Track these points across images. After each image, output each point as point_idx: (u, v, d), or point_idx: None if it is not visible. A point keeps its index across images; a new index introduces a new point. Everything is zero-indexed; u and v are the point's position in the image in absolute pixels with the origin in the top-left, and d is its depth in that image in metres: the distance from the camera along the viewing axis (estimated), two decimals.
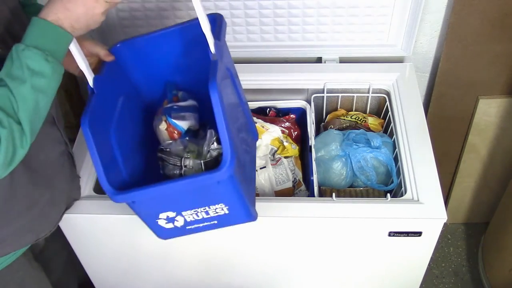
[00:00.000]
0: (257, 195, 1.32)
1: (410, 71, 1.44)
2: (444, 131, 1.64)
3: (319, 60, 1.52)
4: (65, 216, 1.17)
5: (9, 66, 0.75)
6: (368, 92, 1.44)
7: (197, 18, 0.88)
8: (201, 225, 1.05)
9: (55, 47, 0.77)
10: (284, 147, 1.37)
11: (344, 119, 1.46)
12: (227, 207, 1.00)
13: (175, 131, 1.10)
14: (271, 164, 1.33)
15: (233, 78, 1.06)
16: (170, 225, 1.04)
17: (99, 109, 0.97)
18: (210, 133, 1.06)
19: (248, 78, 1.45)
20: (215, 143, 1.04)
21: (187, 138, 1.09)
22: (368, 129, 1.44)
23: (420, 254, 1.23)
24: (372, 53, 1.47)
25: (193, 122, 1.11)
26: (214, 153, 1.04)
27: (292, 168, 1.35)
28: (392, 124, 1.35)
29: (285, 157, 1.36)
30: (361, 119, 1.46)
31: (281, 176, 1.33)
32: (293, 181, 1.34)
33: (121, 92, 1.09)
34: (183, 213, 1.01)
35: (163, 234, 1.08)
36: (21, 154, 0.78)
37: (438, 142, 1.54)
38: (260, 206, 1.16)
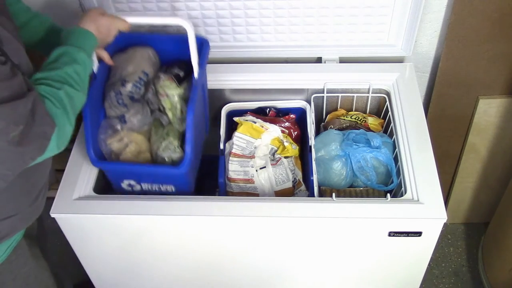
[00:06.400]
0: (257, 195, 1.32)
1: (410, 71, 1.44)
2: (444, 131, 1.64)
3: (319, 60, 1.52)
4: (65, 216, 1.17)
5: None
6: (368, 92, 1.44)
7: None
8: (152, 190, 1.28)
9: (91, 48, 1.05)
10: (284, 147, 1.37)
11: (344, 119, 1.46)
12: (175, 188, 1.26)
13: None
14: (271, 164, 1.33)
15: (204, 91, 1.27)
16: (129, 188, 1.28)
17: (96, 92, 1.20)
18: None
19: (248, 78, 1.46)
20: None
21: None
22: (368, 129, 1.44)
23: (420, 254, 1.23)
24: (372, 53, 1.47)
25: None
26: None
27: (292, 168, 1.35)
28: (392, 124, 1.34)
29: (285, 157, 1.36)
30: (361, 119, 1.46)
31: (281, 176, 1.33)
32: (293, 181, 1.33)
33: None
34: (142, 183, 1.26)
35: (119, 189, 1.29)
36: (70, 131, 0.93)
37: (438, 142, 1.54)
38: (260, 206, 1.16)
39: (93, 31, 1.02)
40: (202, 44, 1.22)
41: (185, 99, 1.23)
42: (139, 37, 1.24)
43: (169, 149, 1.21)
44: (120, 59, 1.25)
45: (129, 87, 1.20)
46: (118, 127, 1.19)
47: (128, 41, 1.24)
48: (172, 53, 1.29)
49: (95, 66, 1.19)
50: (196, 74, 1.18)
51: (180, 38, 1.19)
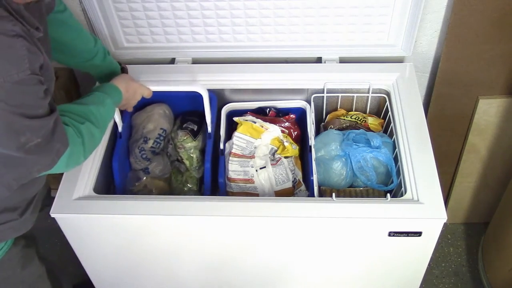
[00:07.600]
0: (257, 195, 1.32)
1: (410, 71, 1.44)
2: (444, 131, 1.64)
3: (319, 60, 1.52)
4: (65, 216, 1.17)
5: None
6: (368, 92, 1.44)
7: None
8: None
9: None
10: (284, 147, 1.37)
11: (344, 119, 1.46)
12: None
13: None
14: (271, 164, 1.33)
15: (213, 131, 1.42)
16: None
17: (123, 148, 1.38)
18: None
19: (248, 78, 1.46)
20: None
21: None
22: (368, 129, 1.44)
23: (420, 254, 1.23)
24: (372, 53, 1.47)
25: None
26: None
27: (292, 168, 1.35)
28: (392, 124, 1.35)
29: (285, 157, 1.36)
30: (361, 119, 1.46)
31: (281, 176, 1.33)
32: (293, 181, 1.33)
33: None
34: None
35: None
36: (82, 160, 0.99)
37: (438, 142, 1.54)
38: (260, 206, 1.16)
39: (122, 89, 1.16)
40: (211, 99, 1.35)
41: (199, 149, 1.44)
42: (155, 95, 1.29)
43: (190, 194, 1.41)
44: (141, 117, 1.43)
45: (151, 143, 1.39)
46: (143, 177, 1.37)
47: (146, 99, 1.29)
48: (183, 106, 1.48)
49: (120, 126, 1.36)
50: (209, 129, 1.37)
51: (190, 94, 1.30)
